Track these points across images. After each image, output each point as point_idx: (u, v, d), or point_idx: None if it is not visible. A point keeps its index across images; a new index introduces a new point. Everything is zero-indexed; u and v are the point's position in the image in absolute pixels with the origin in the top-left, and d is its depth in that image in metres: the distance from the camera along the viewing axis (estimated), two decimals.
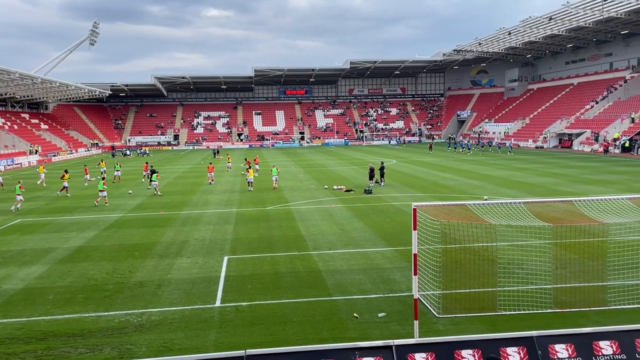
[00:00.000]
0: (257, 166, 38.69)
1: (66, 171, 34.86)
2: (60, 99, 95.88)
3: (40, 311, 12.70)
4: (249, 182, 34.21)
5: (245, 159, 48.14)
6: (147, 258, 17.33)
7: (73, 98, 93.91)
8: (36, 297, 13.70)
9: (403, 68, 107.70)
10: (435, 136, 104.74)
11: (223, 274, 15.32)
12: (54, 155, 73.57)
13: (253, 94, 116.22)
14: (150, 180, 33.87)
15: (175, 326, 11.57)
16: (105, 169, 44.25)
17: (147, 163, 43.21)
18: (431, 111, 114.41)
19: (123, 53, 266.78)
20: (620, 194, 27.66)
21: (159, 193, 32.11)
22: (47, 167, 45.77)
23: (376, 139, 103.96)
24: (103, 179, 33.65)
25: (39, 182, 39.21)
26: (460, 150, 71.10)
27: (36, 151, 70.15)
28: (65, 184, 33.06)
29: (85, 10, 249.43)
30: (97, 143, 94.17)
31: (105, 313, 12.45)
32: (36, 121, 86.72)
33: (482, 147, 75.13)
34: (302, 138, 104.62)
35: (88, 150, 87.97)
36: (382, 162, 36.70)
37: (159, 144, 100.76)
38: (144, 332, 11.31)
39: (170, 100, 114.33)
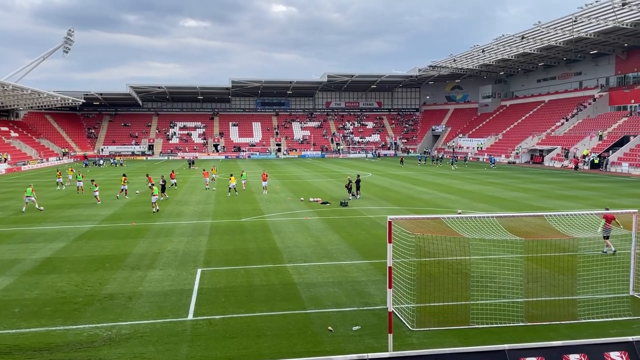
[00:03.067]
0: (264, 183, 38.55)
1: (124, 175, 38.00)
2: (31, 107, 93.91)
3: (6, 324, 12.29)
4: (230, 188, 37.55)
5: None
6: (118, 270, 16.98)
7: (45, 106, 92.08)
8: (1, 310, 13.26)
9: (380, 82, 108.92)
10: (410, 150, 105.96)
11: (196, 287, 15.10)
12: (24, 164, 71.84)
13: (230, 105, 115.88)
14: (162, 191, 34.75)
15: (146, 340, 11.33)
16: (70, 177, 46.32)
17: (173, 171, 44.37)
18: (407, 125, 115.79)
19: (98, 61, 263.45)
20: (589, 209, 28.31)
21: (156, 209, 29.73)
22: (17, 176, 44.52)
23: (352, 151, 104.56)
24: (92, 181, 36.74)
25: (67, 183, 44.21)
26: (418, 163, 73.68)
27: (5, 159, 68.40)
28: (125, 186, 35.96)
29: (59, 17, 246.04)
30: (67, 152, 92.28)
31: (74, 326, 12.12)
32: (6, 129, 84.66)
33: (434, 160, 78.80)
34: (279, 150, 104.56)
35: (59, 160, 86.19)
36: (358, 175, 36.89)
37: (133, 153, 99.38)
38: (113, 346, 11.04)
39: (146, 109, 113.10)
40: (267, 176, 39.92)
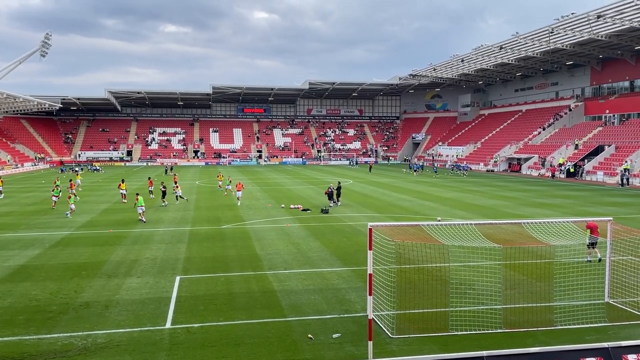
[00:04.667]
0: (239, 193, 35.73)
1: (123, 180, 38.88)
2: (7, 112, 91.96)
3: None
4: (177, 196, 36.47)
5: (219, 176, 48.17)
6: (95, 278, 16.67)
7: (21, 110, 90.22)
8: None
9: (361, 90, 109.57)
10: (391, 157, 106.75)
11: (174, 295, 14.90)
12: None
13: (210, 111, 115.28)
14: (163, 197, 35.11)
15: (123, 349, 11.12)
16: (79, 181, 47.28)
17: (220, 174, 45.16)
18: (387, 133, 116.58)
19: (76, 66, 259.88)
20: (566, 217, 28.78)
21: (143, 219, 27.97)
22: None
23: (334, 158, 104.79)
24: (57, 186, 35.81)
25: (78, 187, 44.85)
26: (407, 171, 74.01)
27: None
28: (123, 191, 37.03)
29: (36, 21, 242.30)
30: (42, 157, 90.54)
31: (48, 335, 11.85)
32: None
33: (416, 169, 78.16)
34: (260, 156, 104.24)
35: (35, 165, 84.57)
36: (339, 182, 36.96)
37: (111, 159, 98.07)
38: (88, 355, 10.81)
39: (124, 115, 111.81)
40: (242, 186, 36.92)
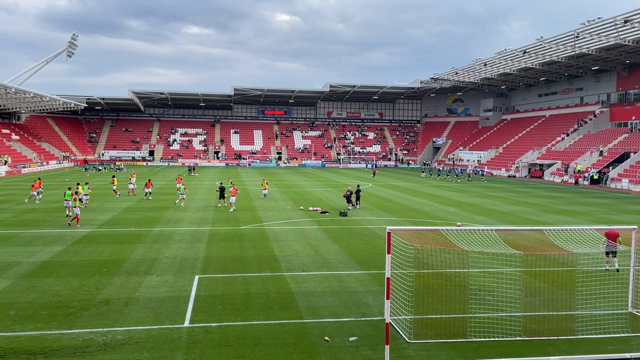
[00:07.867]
0: (232, 199, 33.71)
1: (132, 174, 42.21)
2: (33, 110, 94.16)
3: (1, 327, 12.22)
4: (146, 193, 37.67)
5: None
6: (115, 275, 16.92)
7: (47, 109, 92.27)
8: None
9: (381, 93, 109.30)
10: (411, 161, 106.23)
11: (193, 294, 15.04)
12: (24, 167, 71.88)
13: (232, 112, 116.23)
14: (222, 197, 34.66)
15: (142, 346, 11.26)
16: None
17: (265, 180, 42.28)
18: (408, 137, 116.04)
19: (100, 66, 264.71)
20: (589, 224, 28.27)
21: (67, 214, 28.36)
22: (16, 178, 44.40)
23: (353, 161, 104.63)
24: (87, 184, 35.75)
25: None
26: (422, 174, 74.07)
27: (5, 162, 68.46)
28: (131, 186, 40.15)
29: (63, 22, 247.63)
30: (67, 155, 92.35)
31: (69, 331, 12.06)
32: (7, 131, 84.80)
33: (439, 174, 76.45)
34: (280, 158, 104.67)
35: (60, 163, 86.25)
36: (358, 185, 36.89)
37: (134, 159, 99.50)
38: (108, 351, 10.97)
39: (147, 115, 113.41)
40: (237, 191, 34.46)
